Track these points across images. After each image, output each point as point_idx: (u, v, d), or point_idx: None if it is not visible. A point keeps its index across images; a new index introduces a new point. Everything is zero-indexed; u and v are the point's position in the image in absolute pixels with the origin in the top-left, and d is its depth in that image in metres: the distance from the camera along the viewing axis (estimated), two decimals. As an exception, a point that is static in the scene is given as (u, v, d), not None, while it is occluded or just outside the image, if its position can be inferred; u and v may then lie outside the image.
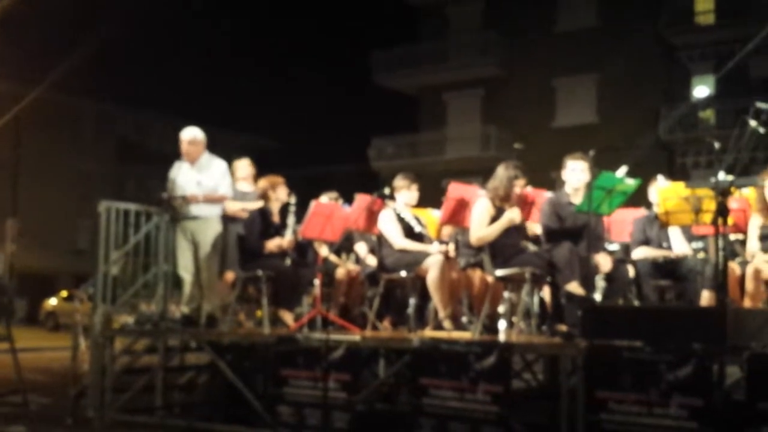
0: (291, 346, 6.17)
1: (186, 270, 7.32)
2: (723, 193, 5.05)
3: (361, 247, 7.95)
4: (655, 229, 6.96)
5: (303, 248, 7.44)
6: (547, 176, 10.03)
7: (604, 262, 6.19)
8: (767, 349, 5.03)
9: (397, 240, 7.00)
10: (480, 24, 27.50)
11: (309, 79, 49.21)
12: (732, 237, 6.83)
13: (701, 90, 23.33)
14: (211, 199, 7.30)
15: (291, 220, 7.21)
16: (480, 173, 6.36)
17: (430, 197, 8.14)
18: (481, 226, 6.40)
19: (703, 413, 4.61)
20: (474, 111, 27.49)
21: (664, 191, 6.60)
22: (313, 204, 7.18)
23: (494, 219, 6.43)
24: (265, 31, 52.28)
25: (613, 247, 7.32)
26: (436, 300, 6.78)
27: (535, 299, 6.76)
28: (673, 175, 21.98)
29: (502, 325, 6.56)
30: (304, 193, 8.04)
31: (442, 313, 6.72)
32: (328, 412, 5.81)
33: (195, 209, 7.26)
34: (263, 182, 7.46)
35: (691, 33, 23.92)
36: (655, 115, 23.65)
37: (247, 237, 7.22)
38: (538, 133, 24.15)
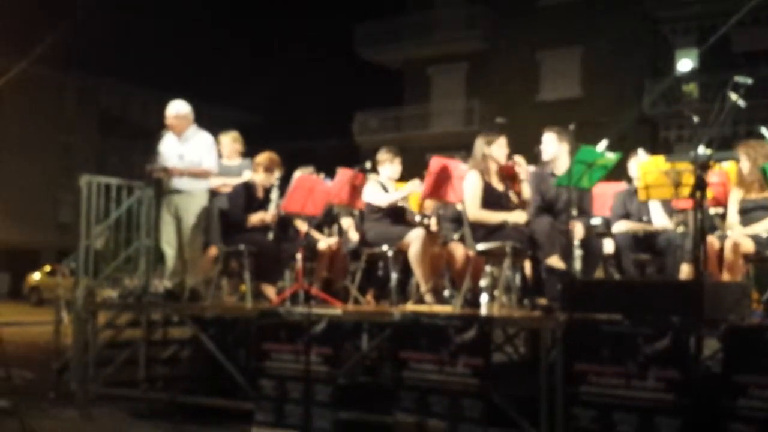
0: (273, 320, 6.17)
1: (169, 244, 7.29)
2: (702, 167, 5.07)
3: (345, 222, 7.97)
4: (635, 202, 6.99)
5: (285, 223, 7.43)
6: (531, 150, 10.05)
7: (577, 230, 6.22)
8: (745, 321, 5.09)
9: (384, 198, 7.08)
10: (465, -3, 27.39)
11: (293, 53, 48.91)
12: (712, 211, 6.87)
13: (685, 63, 23.30)
14: (194, 173, 7.25)
15: (275, 194, 7.18)
16: (464, 147, 6.37)
17: (414, 171, 8.14)
18: (475, 202, 6.40)
19: (680, 385, 4.65)
20: (458, 85, 27.44)
21: (644, 165, 6.62)
22: (295, 178, 7.16)
23: (484, 191, 6.44)
24: (249, 5, 51.82)
25: (596, 220, 7.36)
26: (418, 274, 6.81)
27: (518, 273, 6.81)
28: (656, 148, 22.04)
29: (483, 298, 6.59)
30: (288, 167, 8.02)
31: (423, 287, 6.75)
32: (310, 385, 5.82)
33: (179, 183, 7.21)
34: (263, 158, 7.35)
35: (674, 7, 23.90)
36: (638, 88, 23.67)
37: (230, 211, 7.19)
38: (523, 107, 24.15)
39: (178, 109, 7.34)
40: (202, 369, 7.88)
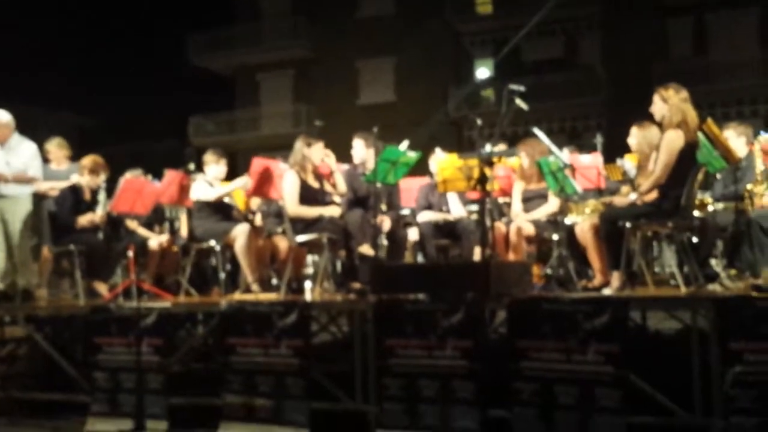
0: (104, 315, 5.93)
1: (-3, 248, 6.85)
2: (487, 163, 5.30)
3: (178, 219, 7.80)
4: (436, 195, 7.24)
5: (115, 222, 7.16)
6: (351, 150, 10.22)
7: (384, 223, 6.38)
8: (526, 294, 5.39)
9: (212, 192, 6.99)
10: (290, 9, 27.24)
11: (130, 59, 46.87)
12: (501, 200, 7.23)
13: (482, 72, 24.36)
14: (21, 180, 6.86)
15: (102, 196, 6.91)
16: (292, 148, 6.36)
17: (247, 170, 8.03)
18: (293, 199, 6.41)
19: (472, 352, 4.86)
20: (286, 90, 27.29)
21: (441, 162, 6.88)
22: (122, 180, 6.91)
23: (302, 188, 6.46)
24: (84, 11, 49.21)
25: (405, 211, 7.58)
26: (244, 266, 6.75)
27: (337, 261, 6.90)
28: (461, 146, 22.91)
29: (307, 285, 6.63)
30: (127, 167, 7.73)
31: (250, 278, 6.70)
32: (143, 374, 5.65)
33: (4, 189, 6.80)
34: (88, 161, 7.04)
35: (472, 21, 24.86)
36: (445, 94, 24.48)
37: (58, 213, 6.87)
38: (344, 110, 24.37)
39: (0, 117, 6.90)
40: (38, 366, 7.45)
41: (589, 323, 4.63)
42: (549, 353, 4.70)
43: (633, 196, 5.67)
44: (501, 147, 6.58)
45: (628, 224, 5.34)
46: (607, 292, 5.40)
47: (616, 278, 5.40)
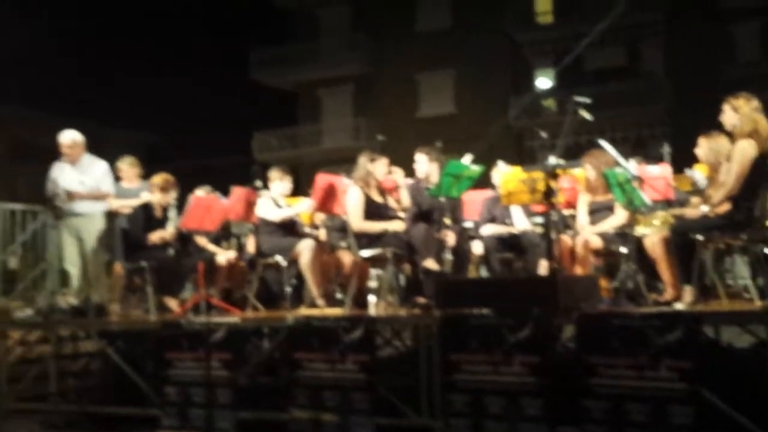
0: (175, 331, 6.03)
1: (72, 264, 7.07)
2: (552, 175, 5.23)
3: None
4: (499, 208, 7.17)
5: (185, 239, 7.29)
6: (412, 161, 10.23)
7: (449, 237, 6.34)
8: (595, 309, 5.28)
9: (277, 213, 7.05)
10: (349, 25, 27.52)
11: (194, 77, 48.01)
12: (566, 212, 7.11)
13: (543, 81, 24.15)
14: (94, 197, 7.08)
15: (172, 213, 7.05)
16: (353, 161, 6.40)
17: (310, 183, 8.10)
18: (357, 214, 6.45)
19: (540, 368, 4.79)
20: (346, 105, 27.55)
21: (505, 175, 6.82)
22: (192, 197, 7.05)
23: (366, 203, 6.47)
24: (149, 31, 50.58)
25: (468, 224, 7.53)
26: (310, 281, 6.79)
27: (400, 276, 6.88)
28: (522, 156, 22.72)
29: (371, 299, 6.64)
30: (192, 183, 7.88)
31: (315, 293, 6.74)
32: (212, 389, 5.72)
33: (79, 206, 7.02)
34: (159, 179, 7.19)
35: (532, 31, 24.67)
36: (504, 104, 24.33)
37: (130, 230, 7.03)
38: (404, 123, 24.45)
39: (73, 138, 7.15)
40: (111, 380, 7.62)
41: (661, 339, 4.52)
42: (620, 370, 4.59)
43: (704, 208, 5.52)
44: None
45: (700, 237, 5.21)
46: (679, 306, 5.26)
47: (688, 292, 5.26)
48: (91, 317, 6.93)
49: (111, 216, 7.39)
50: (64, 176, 7.11)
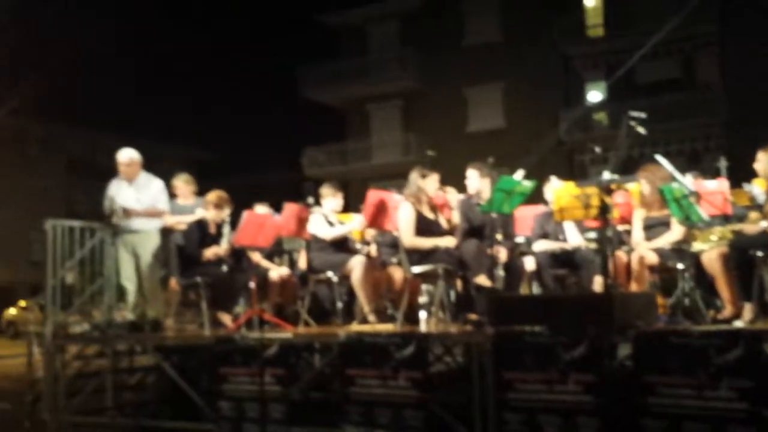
0: (229, 346, 6.09)
1: (129, 280, 7.21)
2: (606, 191, 5.16)
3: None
4: (551, 223, 7.09)
5: (238, 255, 7.37)
6: (462, 176, 10.21)
7: (501, 253, 6.29)
8: (652, 327, 5.18)
9: (328, 232, 7.11)
10: (397, 41, 27.64)
11: (244, 94, 48.73)
12: (620, 228, 7.01)
13: (594, 95, 23.89)
14: (151, 214, 7.21)
15: (226, 229, 7.14)
16: (402, 176, 6.42)
17: (360, 198, 8.14)
18: (409, 231, 6.45)
19: (596, 387, 4.71)
20: (395, 120, 27.64)
21: (557, 190, 6.75)
22: (245, 214, 7.13)
23: (417, 220, 6.48)
24: (202, 51, 51.60)
25: (520, 239, 7.47)
26: (361, 296, 6.81)
27: (451, 292, 6.85)
28: (572, 171, 22.51)
29: (422, 315, 6.62)
30: (244, 200, 7.97)
31: (366, 308, 6.75)
32: (265, 404, 5.76)
33: (135, 223, 7.16)
34: (213, 196, 7.30)
35: (583, 44, 24.46)
36: (555, 118, 24.12)
37: (185, 247, 7.14)
38: (453, 138, 24.41)
39: (131, 156, 7.30)
40: (166, 394, 7.72)
41: (721, 357, 4.41)
42: (678, 389, 4.49)
43: (764, 224, 5.39)
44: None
45: (759, 253, 5.08)
46: (738, 324, 5.13)
47: (748, 310, 5.14)
48: (146, 332, 7.06)
49: (166, 232, 7.51)
50: (121, 194, 7.26)
